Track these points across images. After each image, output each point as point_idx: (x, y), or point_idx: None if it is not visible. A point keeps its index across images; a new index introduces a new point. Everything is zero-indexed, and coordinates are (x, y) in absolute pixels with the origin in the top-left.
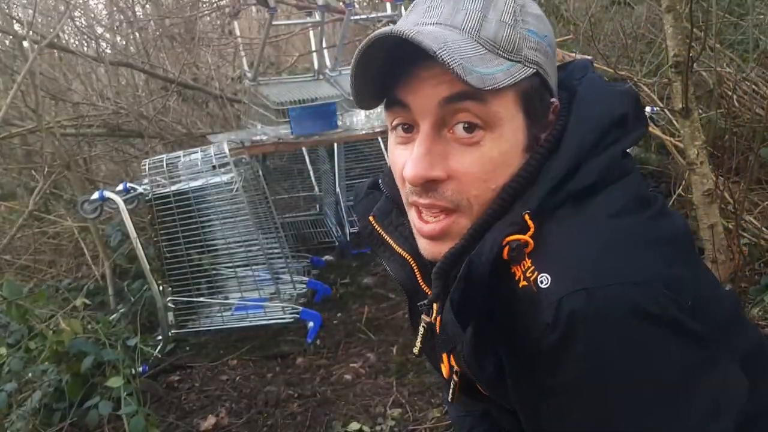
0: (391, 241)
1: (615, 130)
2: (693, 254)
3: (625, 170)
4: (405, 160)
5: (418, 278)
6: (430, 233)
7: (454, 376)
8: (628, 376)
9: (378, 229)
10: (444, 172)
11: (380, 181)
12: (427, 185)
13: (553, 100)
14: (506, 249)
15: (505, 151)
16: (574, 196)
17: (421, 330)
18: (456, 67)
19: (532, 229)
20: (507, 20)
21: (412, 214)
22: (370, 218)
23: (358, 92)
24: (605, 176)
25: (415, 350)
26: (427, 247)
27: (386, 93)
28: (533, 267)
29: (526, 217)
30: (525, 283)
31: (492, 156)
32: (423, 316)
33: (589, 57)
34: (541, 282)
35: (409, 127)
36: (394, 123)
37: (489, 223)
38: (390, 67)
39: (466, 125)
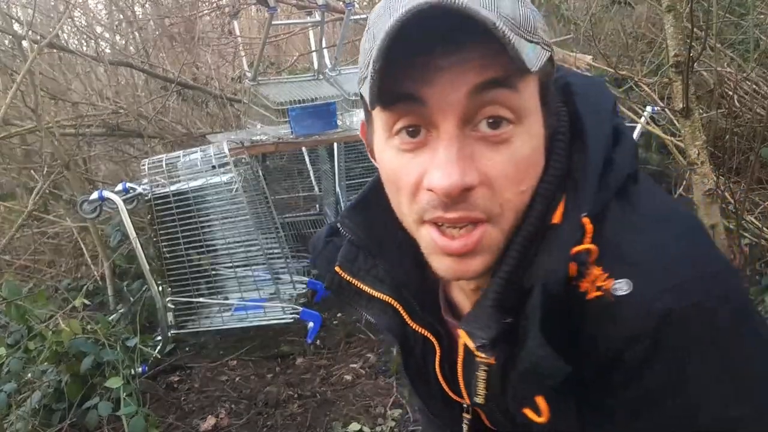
0: (365, 288)
1: (615, 117)
2: None
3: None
4: (421, 169)
5: (406, 318)
6: (461, 250)
7: (466, 414)
8: (727, 369)
9: (347, 278)
10: (477, 177)
11: (339, 225)
12: (459, 195)
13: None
14: (572, 263)
15: (536, 147)
16: (617, 191)
17: (483, 375)
18: (515, 42)
19: (590, 233)
20: None
21: (427, 233)
22: (337, 269)
23: (384, 81)
24: (633, 165)
25: (480, 399)
26: (452, 266)
27: (386, 89)
28: (606, 274)
29: (585, 220)
30: (597, 293)
31: (524, 154)
32: (479, 359)
33: (589, 57)
34: (619, 289)
35: (416, 130)
36: (398, 126)
37: (534, 235)
38: (401, 55)
39: (491, 120)
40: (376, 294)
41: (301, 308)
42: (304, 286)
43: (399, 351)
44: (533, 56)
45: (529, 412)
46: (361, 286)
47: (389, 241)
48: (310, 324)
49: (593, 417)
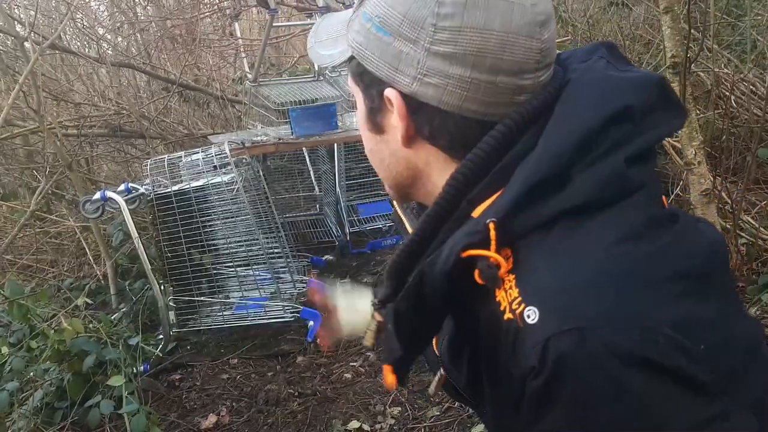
0: (406, 223)
1: (614, 130)
2: (718, 284)
3: (632, 185)
4: None
5: None
6: None
7: (441, 370)
8: None
9: (399, 212)
10: None
11: None
12: None
13: (387, 91)
14: (477, 271)
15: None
16: (568, 215)
17: (373, 327)
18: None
19: (494, 242)
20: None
21: None
22: (394, 203)
23: None
24: (604, 193)
25: (367, 342)
26: None
27: None
28: (520, 298)
29: (491, 225)
30: (510, 315)
31: (359, 117)
32: (375, 315)
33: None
34: (528, 317)
35: None
36: None
37: (442, 219)
38: None
39: None
40: (410, 230)
41: (302, 307)
42: (305, 285)
43: None
44: (338, 54)
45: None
46: (405, 220)
47: None
48: (311, 323)
49: (498, 419)
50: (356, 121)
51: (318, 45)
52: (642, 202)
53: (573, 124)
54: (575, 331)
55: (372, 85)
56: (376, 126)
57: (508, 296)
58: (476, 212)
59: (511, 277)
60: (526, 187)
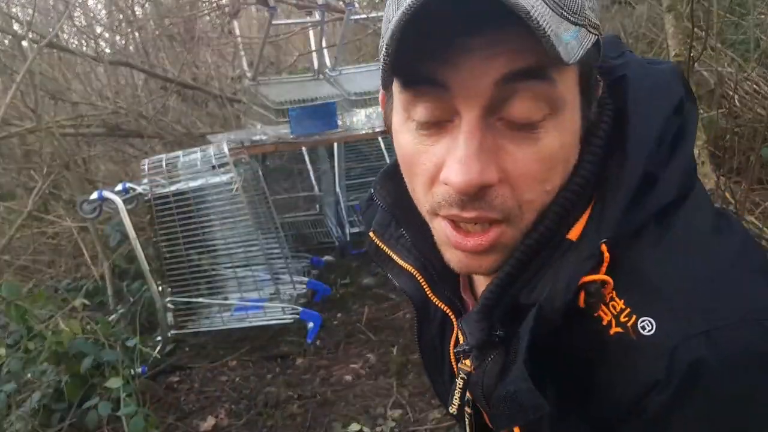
0: (394, 256)
1: (676, 120)
2: None
3: (695, 174)
4: (437, 160)
5: (427, 291)
6: (475, 248)
7: (467, 409)
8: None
9: (380, 244)
10: (497, 174)
11: (373, 191)
12: (476, 193)
13: (599, 78)
14: (582, 294)
15: (567, 143)
16: (656, 213)
17: (460, 383)
18: (551, 34)
19: (607, 263)
20: None
21: (440, 226)
22: (371, 234)
23: (401, 57)
24: (685, 187)
25: (453, 409)
26: (463, 260)
27: (406, 69)
28: (629, 309)
29: (604, 248)
30: (619, 329)
31: (553, 151)
32: (461, 365)
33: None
34: (644, 328)
35: (436, 120)
36: (418, 113)
37: (541, 243)
38: (423, 32)
39: (526, 121)
40: (402, 263)
41: (301, 308)
42: (304, 286)
43: (416, 325)
44: (575, 43)
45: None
46: (391, 253)
47: (416, 212)
48: (310, 324)
49: None
50: (555, 150)
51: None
52: (704, 190)
53: (651, 123)
54: (702, 335)
55: (595, 76)
56: (588, 129)
57: (611, 310)
58: (573, 234)
59: (609, 288)
60: (628, 198)
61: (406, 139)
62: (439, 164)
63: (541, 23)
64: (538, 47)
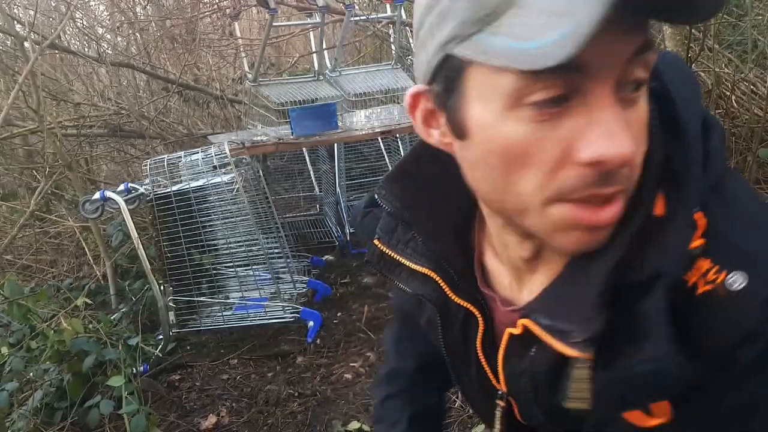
0: (404, 261)
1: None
2: None
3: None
4: (565, 143)
5: (447, 291)
6: (609, 221)
7: (500, 402)
8: None
9: (387, 251)
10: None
11: (377, 196)
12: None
13: None
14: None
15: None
16: (713, 186)
17: (577, 375)
18: None
19: (702, 229)
20: None
21: (559, 210)
22: (376, 242)
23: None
24: (724, 159)
25: (585, 404)
26: (582, 239)
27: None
28: (717, 266)
29: (698, 215)
30: (707, 287)
31: (646, 114)
32: (575, 354)
33: None
34: (734, 282)
35: (560, 98)
36: (536, 98)
37: (641, 220)
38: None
39: (636, 84)
40: (415, 267)
41: (302, 307)
42: (305, 285)
43: (439, 326)
44: None
45: (636, 416)
46: (400, 258)
47: (428, 212)
48: (311, 323)
49: (693, 423)
50: (645, 117)
51: None
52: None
53: (695, 105)
54: None
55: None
56: None
57: (699, 270)
58: (658, 210)
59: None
60: (700, 169)
61: (516, 129)
62: (567, 147)
63: None
64: (644, 22)
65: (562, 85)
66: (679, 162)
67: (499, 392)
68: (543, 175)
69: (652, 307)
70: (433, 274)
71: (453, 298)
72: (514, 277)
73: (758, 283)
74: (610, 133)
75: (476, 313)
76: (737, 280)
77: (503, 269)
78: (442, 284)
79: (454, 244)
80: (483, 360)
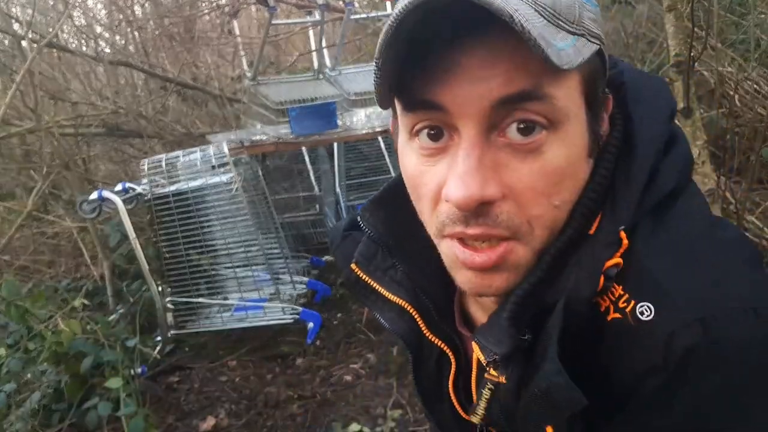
0: (381, 289)
1: (672, 123)
2: None
3: (691, 173)
4: (439, 179)
5: (422, 327)
6: (483, 265)
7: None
8: (751, 420)
9: (364, 277)
10: (499, 190)
11: (359, 219)
12: (478, 209)
13: (606, 90)
14: (602, 279)
15: (573, 156)
16: (652, 207)
17: (487, 393)
18: (536, 37)
19: (624, 249)
20: None
21: (447, 246)
22: (353, 266)
23: (381, 84)
24: (681, 180)
25: (476, 419)
26: (473, 280)
27: (404, 89)
28: (627, 295)
29: (623, 234)
30: (617, 315)
31: (558, 165)
32: (489, 375)
33: None
34: (642, 313)
35: (439, 132)
36: (418, 127)
37: (565, 249)
38: (411, 53)
39: (523, 125)
40: (392, 297)
41: (301, 308)
42: (304, 286)
43: (411, 362)
44: (572, 51)
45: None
46: (378, 287)
47: (411, 242)
48: (310, 324)
49: None
50: (560, 164)
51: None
52: (696, 187)
53: (655, 123)
54: (698, 322)
55: (601, 87)
56: (596, 140)
57: (609, 296)
58: (594, 228)
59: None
60: (639, 191)
61: (411, 160)
62: (441, 183)
63: (525, 27)
64: (531, 63)
65: (432, 119)
66: (621, 182)
67: (478, 426)
68: (429, 207)
69: (551, 325)
70: (409, 307)
71: (427, 335)
72: (487, 315)
73: (663, 318)
74: (457, 175)
75: (448, 352)
76: (644, 312)
77: (482, 313)
78: (417, 319)
79: (435, 277)
80: (454, 398)
